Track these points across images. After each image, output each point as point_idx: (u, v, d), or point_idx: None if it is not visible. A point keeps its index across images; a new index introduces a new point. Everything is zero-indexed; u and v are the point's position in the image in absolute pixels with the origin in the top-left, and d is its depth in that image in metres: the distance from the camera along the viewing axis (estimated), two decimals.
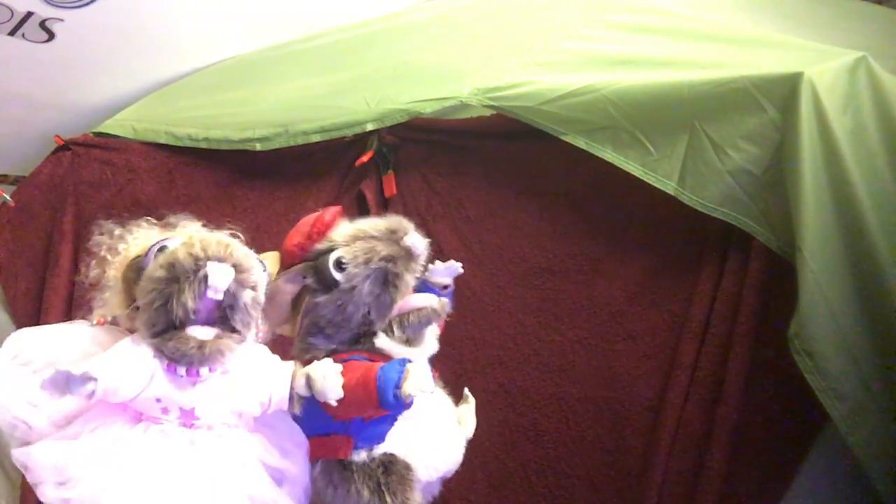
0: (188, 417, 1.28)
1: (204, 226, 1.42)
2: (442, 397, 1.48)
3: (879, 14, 2.13)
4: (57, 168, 2.20)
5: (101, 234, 1.41)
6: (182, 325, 1.23)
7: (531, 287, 1.83)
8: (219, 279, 1.20)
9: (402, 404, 1.23)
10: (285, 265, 1.40)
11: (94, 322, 1.39)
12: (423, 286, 1.46)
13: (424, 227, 1.96)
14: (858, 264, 1.37)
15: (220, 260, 1.21)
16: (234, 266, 1.23)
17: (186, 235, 1.32)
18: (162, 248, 1.28)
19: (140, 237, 1.39)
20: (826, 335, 1.36)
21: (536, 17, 1.94)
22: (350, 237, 1.37)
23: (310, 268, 1.37)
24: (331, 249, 1.36)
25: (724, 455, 1.55)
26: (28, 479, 1.24)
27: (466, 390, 1.56)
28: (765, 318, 1.52)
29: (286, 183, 2.09)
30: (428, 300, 1.41)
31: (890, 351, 1.36)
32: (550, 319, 1.80)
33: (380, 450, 1.35)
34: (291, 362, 1.35)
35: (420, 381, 1.22)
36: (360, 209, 2.02)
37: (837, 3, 2.13)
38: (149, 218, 1.43)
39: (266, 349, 1.39)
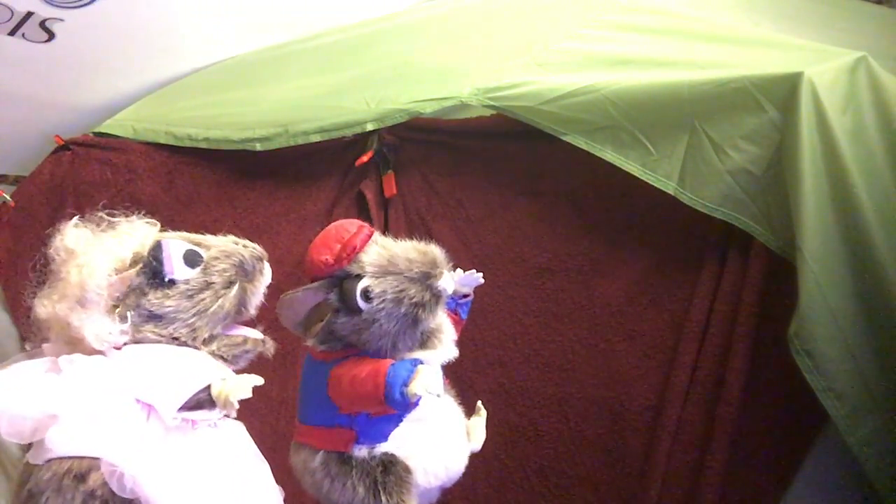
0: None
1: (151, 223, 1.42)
2: (451, 406, 1.47)
3: (879, 14, 2.12)
4: (57, 168, 2.20)
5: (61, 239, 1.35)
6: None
7: (531, 287, 1.83)
8: (269, 273, 1.41)
9: (407, 403, 1.22)
10: (308, 274, 1.39)
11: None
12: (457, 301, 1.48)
13: (424, 226, 1.97)
14: (858, 264, 1.37)
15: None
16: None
17: (146, 237, 1.35)
18: (196, 254, 1.32)
19: (104, 241, 1.34)
20: (826, 335, 1.36)
21: (536, 17, 1.94)
22: (381, 268, 1.32)
23: (334, 287, 1.35)
24: (359, 276, 1.32)
25: (724, 455, 1.55)
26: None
27: (480, 404, 1.55)
28: (765, 318, 1.52)
29: (286, 183, 2.09)
30: None
31: (890, 351, 1.36)
32: (550, 319, 1.80)
33: (381, 448, 1.35)
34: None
35: (428, 383, 1.21)
36: (360, 209, 2.02)
37: (837, 3, 2.13)
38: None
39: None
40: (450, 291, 1.34)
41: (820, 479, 1.53)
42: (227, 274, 1.32)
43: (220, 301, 1.30)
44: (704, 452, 1.57)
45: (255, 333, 1.38)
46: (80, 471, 1.16)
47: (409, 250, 1.35)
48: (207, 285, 1.30)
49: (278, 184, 2.09)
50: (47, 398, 1.18)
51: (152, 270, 1.30)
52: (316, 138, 1.93)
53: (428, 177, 1.97)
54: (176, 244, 1.32)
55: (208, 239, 1.38)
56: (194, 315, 1.28)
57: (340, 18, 2.25)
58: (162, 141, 2.14)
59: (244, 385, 1.24)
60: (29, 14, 1.84)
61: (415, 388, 1.21)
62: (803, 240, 1.36)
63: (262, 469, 1.38)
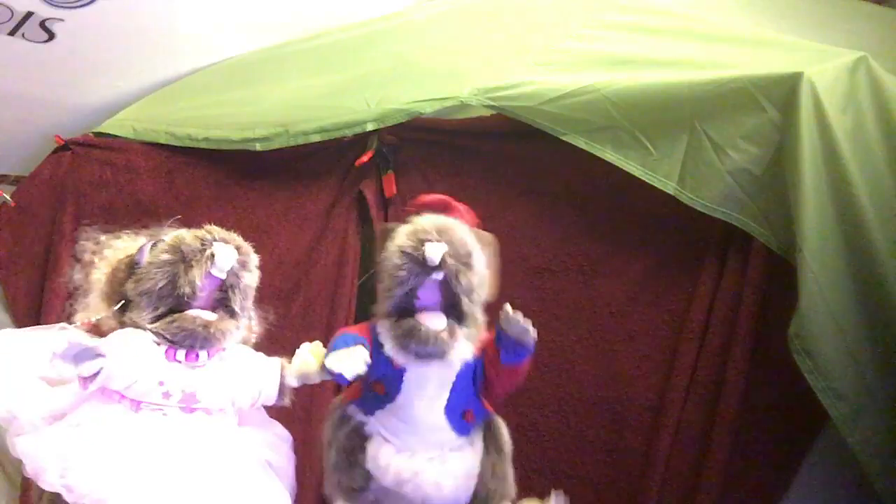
0: (189, 401, 1.31)
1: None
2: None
3: (879, 14, 2.12)
4: (57, 168, 2.20)
5: (86, 240, 1.47)
6: (182, 310, 1.30)
7: (531, 287, 1.83)
8: (224, 259, 1.30)
9: (331, 374, 1.31)
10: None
11: (79, 324, 1.42)
12: (498, 334, 1.37)
13: None
14: (858, 264, 1.37)
15: (225, 242, 1.32)
16: (237, 248, 1.33)
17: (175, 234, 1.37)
18: (156, 244, 1.35)
19: (124, 242, 1.44)
20: (826, 335, 1.36)
21: (536, 17, 1.94)
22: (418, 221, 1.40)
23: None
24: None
25: (724, 455, 1.55)
26: (28, 469, 1.25)
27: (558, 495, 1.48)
28: (765, 318, 1.52)
29: (286, 183, 2.09)
30: None
31: (890, 351, 1.36)
32: (550, 319, 1.80)
33: (363, 419, 1.42)
34: (278, 358, 1.41)
35: (342, 361, 1.28)
36: (360, 209, 2.02)
37: (837, 3, 2.13)
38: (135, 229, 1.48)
39: (250, 349, 1.44)
40: (433, 260, 1.30)
41: (820, 479, 1.53)
42: (164, 256, 1.33)
43: (153, 280, 1.32)
44: (704, 452, 1.57)
45: (208, 315, 1.34)
46: None
47: (441, 222, 1.38)
48: (149, 266, 1.33)
49: (278, 184, 2.10)
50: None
51: (133, 262, 1.36)
52: (316, 138, 1.93)
53: (428, 177, 1.96)
54: (149, 242, 1.38)
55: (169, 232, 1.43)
56: (139, 294, 1.32)
57: (340, 18, 2.25)
58: (162, 141, 2.14)
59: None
60: (29, 14, 1.85)
61: (328, 359, 1.30)
62: (803, 240, 1.36)
63: (256, 468, 1.38)
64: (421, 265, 1.31)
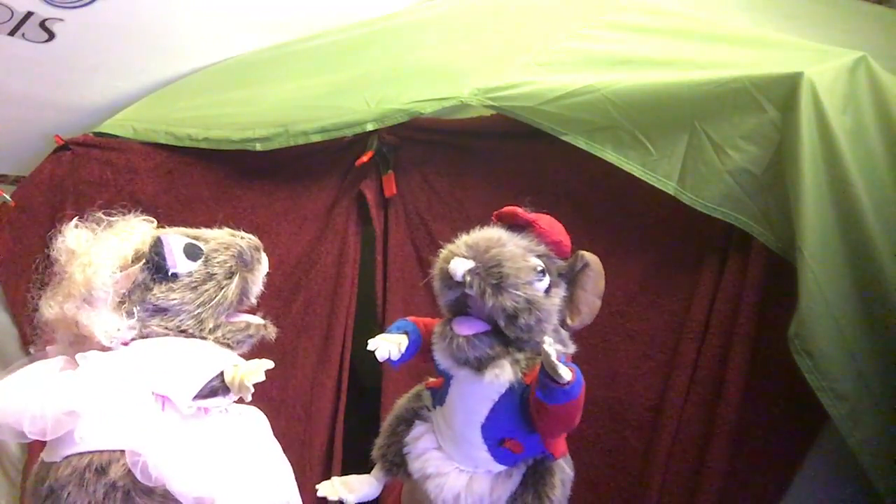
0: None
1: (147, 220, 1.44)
2: None
3: (879, 14, 2.12)
4: (57, 168, 2.20)
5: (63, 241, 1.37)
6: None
7: None
8: (266, 262, 1.42)
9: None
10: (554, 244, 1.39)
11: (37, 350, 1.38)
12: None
13: (424, 227, 1.97)
14: (858, 264, 1.37)
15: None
16: None
17: (142, 232, 1.37)
18: (194, 249, 1.34)
19: (104, 240, 1.36)
20: (826, 335, 1.36)
21: (536, 17, 1.94)
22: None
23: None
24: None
25: (724, 455, 1.55)
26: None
27: None
28: (765, 318, 1.52)
29: (286, 183, 2.09)
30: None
31: (890, 351, 1.36)
32: None
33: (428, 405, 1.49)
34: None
35: (376, 341, 1.34)
36: (360, 209, 2.02)
37: (837, 3, 2.13)
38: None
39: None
40: (455, 275, 1.26)
41: (820, 479, 1.53)
42: (228, 265, 1.34)
43: (223, 291, 1.33)
44: (704, 452, 1.57)
45: (257, 319, 1.40)
46: (101, 464, 1.20)
47: (487, 235, 1.36)
48: (210, 276, 1.33)
49: (278, 184, 2.10)
50: (67, 396, 1.21)
51: (155, 266, 1.32)
52: (316, 138, 1.93)
53: (428, 177, 1.96)
54: (176, 239, 1.34)
55: (205, 233, 1.41)
56: (199, 306, 1.31)
57: (340, 18, 2.25)
58: (162, 141, 2.14)
59: (258, 369, 1.27)
60: (29, 14, 1.85)
61: (371, 341, 1.34)
62: (803, 240, 1.36)
63: (274, 450, 1.41)
64: (450, 278, 1.28)
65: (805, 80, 1.38)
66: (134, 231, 1.37)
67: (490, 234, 1.32)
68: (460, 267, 1.26)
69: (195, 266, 1.33)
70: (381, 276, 2.01)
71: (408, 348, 1.38)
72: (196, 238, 1.38)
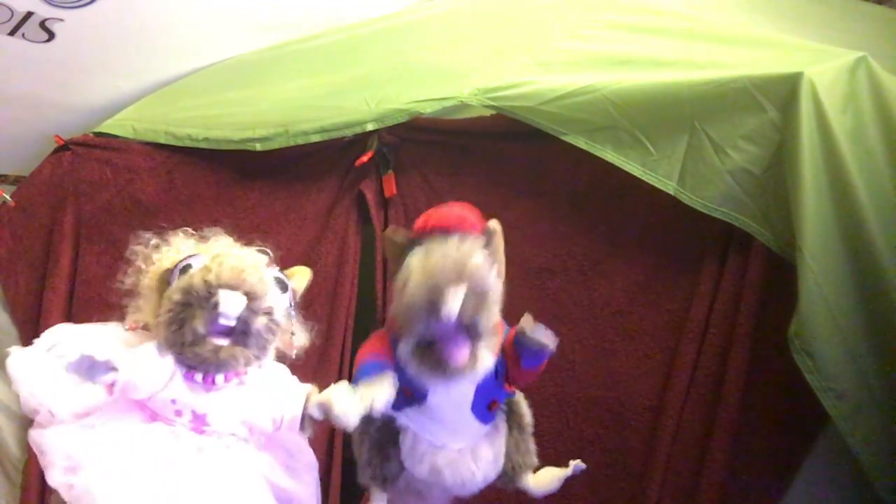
0: (199, 423, 1.31)
1: (236, 241, 1.43)
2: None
3: (879, 14, 2.13)
4: (57, 168, 2.20)
5: (139, 243, 1.43)
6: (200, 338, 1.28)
7: (531, 287, 1.83)
8: (230, 307, 1.25)
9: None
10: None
11: (127, 326, 1.43)
12: (517, 339, 1.37)
13: None
14: (858, 264, 1.37)
15: (233, 288, 1.26)
16: (247, 293, 1.27)
17: (210, 254, 1.34)
18: (186, 268, 1.32)
19: (173, 249, 1.41)
20: (826, 335, 1.36)
21: (536, 17, 1.94)
22: (430, 252, 1.32)
23: (405, 246, 1.38)
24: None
25: (724, 455, 1.55)
26: (39, 461, 1.28)
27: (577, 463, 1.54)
28: (765, 318, 1.52)
29: (286, 183, 2.09)
30: None
31: (890, 351, 1.36)
32: (550, 319, 1.78)
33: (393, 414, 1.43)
34: (308, 385, 1.38)
35: (337, 402, 1.29)
36: (360, 209, 2.02)
37: (837, 3, 2.13)
38: (186, 229, 1.46)
39: (285, 369, 1.42)
40: (451, 314, 1.22)
41: (820, 479, 1.53)
42: (175, 297, 1.29)
43: (165, 319, 1.30)
44: (704, 452, 1.57)
45: (221, 341, 1.31)
46: None
47: (454, 257, 1.29)
48: (165, 302, 1.31)
49: (278, 184, 2.09)
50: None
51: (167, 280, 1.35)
52: (316, 138, 1.93)
53: (428, 177, 1.96)
54: (191, 259, 1.35)
55: (212, 250, 1.38)
56: (160, 324, 1.32)
57: (340, 18, 2.25)
58: (162, 141, 2.14)
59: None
60: (29, 14, 1.85)
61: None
62: (803, 240, 1.36)
63: (260, 500, 1.37)
64: (439, 315, 1.25)
65: (805, 80, 1.38)
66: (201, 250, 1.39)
67: (455, 254, 1.29)
68: (457, 303, 1.23)
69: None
70: (381, 276, 2.01)
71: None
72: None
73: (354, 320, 2.03)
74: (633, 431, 1.72)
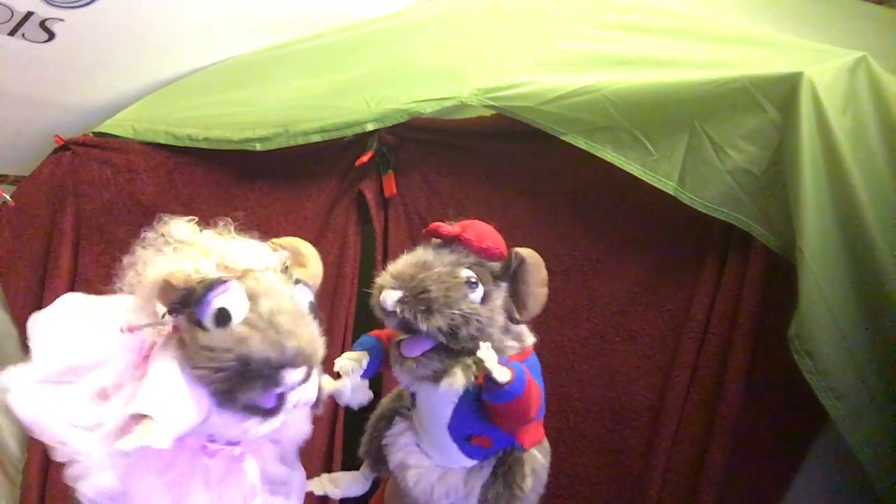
0: (231, 444, 1.29)
1: (240, 231, 1.33)
2: None
3: (879, 14, 2.13)
4: (57, 168, 2.20)
5: (143, 247, 1.29)
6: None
7: None
8: (297, 395, 1.18)
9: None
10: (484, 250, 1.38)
11: (125, 329, 1.27)
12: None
13: (424, 227, 1.96)
14: (858, 264, 1.37)
15: (295, 364, 1.16)
16: (306, 366, 1.18)
17: (245, 288, 1.21)
18: (223, 316, 1.17)
19: (173, 253, 1.27)
20: (826, 335, 1.36)
21: (536, 17, 1.94)
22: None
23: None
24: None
25: (724, 455, 1.55)
26: None
27: None
28: (765, 318, 1.52)
29: (286, 183, 2.09)
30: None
31: (890, 351, 1.36)
32: (550, 319, 1.80)
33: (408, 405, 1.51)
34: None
35: (342, 360, 1.41)
36: (360, 209, 2.02)
37: (837, 3, 2.13)
38: (191, 218, 1.33)
39: None
40: (385, 305, 1.32)
41: (820, 479, 1.53)
42: (227, 358, 1.15)
43: (213, 374, 1.16)
44: (704, 452, 1.57)
45: None
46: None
47: (415, 261, 1.37)
48: (211, 350, 1.16)
49: (278, 184, 2.09)
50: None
51: (188, 301, 1.20)
52: (316, 138, 1.93)
53: (428, 177, 1.96)
54: (223, 297, 1.18)
55: (262, 292, 1.22)
56: (191, 360, 1.19)
57: (340, 18, 2.25)
58: (162, 141, 2.14)
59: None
60: (29, 14, 1.85)
61: (337, 360, 1.41)
62: (803, 240, 1.36)
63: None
64: (383, 310, 1.34)
65: (805, 80, 1.38)
66: (205, 253, 1.25)
67: (416, 259, 1.36)
68: (389, 299, 1.31)
69: (214, 331, 1.17)
70: None
71: (370, 364, 1.43)
72: (252, 296, 1.20)
73: (354, 320, 2.03)
74: (633, 431, 1.72)
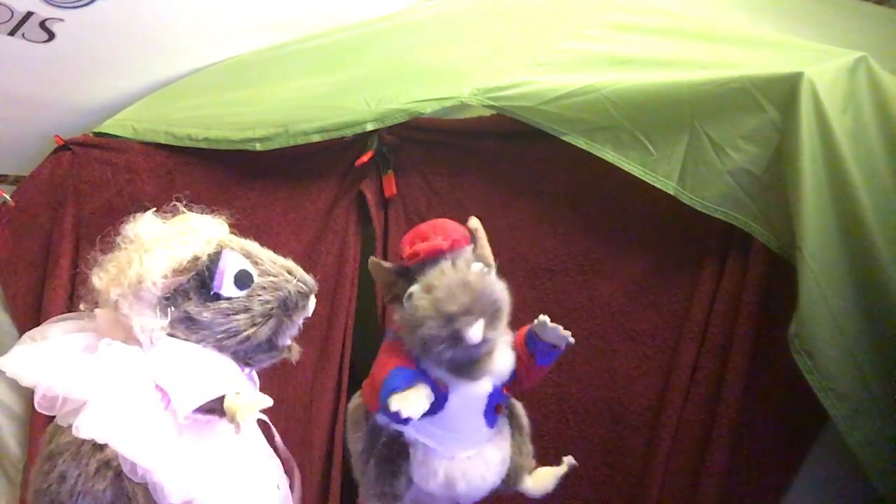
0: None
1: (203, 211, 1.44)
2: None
3: (879, 14, 2.12)
4: (57, 168, 2.20)
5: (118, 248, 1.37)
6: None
7: (531, 287, 1.83)
8: (312, 307, 1.40)
9: (388, 414, 1.27)
10: (407, 250, 1.41)
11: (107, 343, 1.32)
12: (531, 338, 1.45)
13: None
14: (858, 264, 1.37)
15: (314, 291, 1.41)
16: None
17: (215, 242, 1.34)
18: (242, 273, 1.31)
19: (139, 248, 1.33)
20: (826, 335, 1.36)
21: (536, 17, 1.94)
22: (427, 286, 1.32)
23: (403, 276, 1.39)
24: (412, 280, 1.35)
25: (724, 455, 1.55)
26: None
27: (569, 459, 1.58)
28: (765, 318, 1.52)
29: (286, 183, 2.09)
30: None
31: (890, 351, 1.36)
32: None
33: (396, 427, 1.43)
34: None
35: (407, 404, 1.26)
36: (360, 209, 2.02)
37: (837, 3, 2.13)
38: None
39: None
40: (476, 341, 1.26)
41: (820, 479, 1.53)
42: (268, 306, 1.32)
43: (253, 329, 1.31)
44: (704, 452, 1.57)
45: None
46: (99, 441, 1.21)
47: (457, 282, 1.30)
48: (246, 309, 1.30)
49: (278, 184, 2.09)
50: (81, 382, 1.23)
51: (202, 279, 1.30)
52: (316, 138, 1.93)
53: (428, 177, 1.96)
54: (234, 261, 1.32)
55: (266, 258, 1.37)
56: (222, 333, 1.30)
57: (340, 18, 2.25)
58: (162, 141, 2.14)
59: (252, 405, 1.24)
60: (29, 14, 1.84)
61: (393, 403, 1.26)
62: (803, 240, 1.36)
63: (270, 465, 1.42)
64: (465, 343, 1.27)
65: (805, 80, 1.38)
66: (200, 233, 1.34)
67: (453, 281, 1.31)
68: (478, 331, 1.26)
69: (238, 294, 1.30)
70: None
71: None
72: (255, 262, 1.35)
73: (354, 320, 2.03)
74: (633, 431, 1.72)
